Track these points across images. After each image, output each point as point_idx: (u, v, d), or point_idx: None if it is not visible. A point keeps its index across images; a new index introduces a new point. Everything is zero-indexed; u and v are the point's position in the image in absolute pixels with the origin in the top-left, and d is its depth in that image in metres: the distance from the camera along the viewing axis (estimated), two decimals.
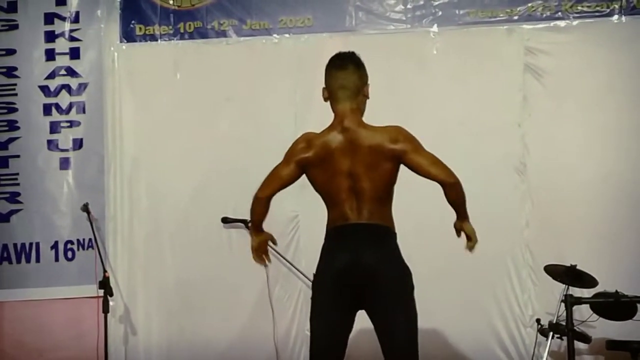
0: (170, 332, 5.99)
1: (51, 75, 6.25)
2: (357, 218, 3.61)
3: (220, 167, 5.98)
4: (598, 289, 5.12)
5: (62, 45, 6.27)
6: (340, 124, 3.68)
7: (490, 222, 5.24)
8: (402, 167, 3.67)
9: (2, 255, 6.16)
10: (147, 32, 6.22)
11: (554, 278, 5.20)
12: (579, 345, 5.26)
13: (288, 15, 6.09)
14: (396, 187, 3.70)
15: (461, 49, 5.86)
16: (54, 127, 6.23)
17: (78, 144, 6.22)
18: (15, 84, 6.27)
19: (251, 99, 6.01)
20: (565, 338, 5.01)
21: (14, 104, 6.26)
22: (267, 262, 3.90)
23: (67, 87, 6.24)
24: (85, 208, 5.97)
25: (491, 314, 5.68)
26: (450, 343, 5.67)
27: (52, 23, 6.26)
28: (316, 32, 6.03)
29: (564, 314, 4.95)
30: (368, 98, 3.77)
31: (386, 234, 3.64)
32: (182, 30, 6.18)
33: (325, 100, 3.78)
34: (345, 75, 3.71)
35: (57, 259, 6.13)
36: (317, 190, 3.73)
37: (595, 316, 5.16)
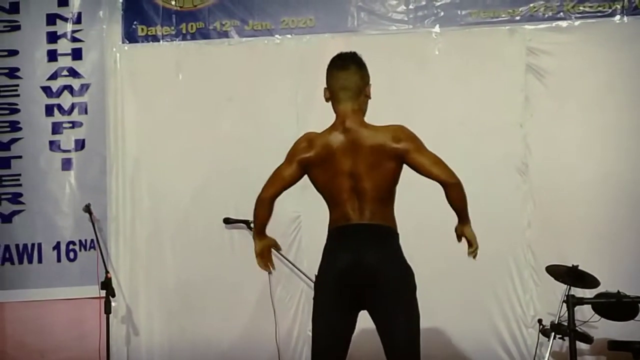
0: (172, 333, 5.99)
1: (53, 76, 6.25)
2: (359, 218, 3.61)
3: (222, 167, 5.98)
4: (600, 289, 5.11)
5: (64, 46, 6.27)
6: (342, 125, 3.67)
7: (491, 222, 5.27)
8: (403, 167, 3.67)
9: (4, 256, 6.17)
10: (149, 33, 6.22)
11: (555, 278, 5.20)
12: (581, 345, 5.26)
13: (290, 16, 6.09)
14: (398, 188, 3.70)
15: (463, 50, 5.86)
16: (56, 128, 6.23)
17: (80, 144, 6.22)
18: (17, 85, 6.27)
19: (253, 99, 6.01)
20: (567, 338, 5.00)
21: (16, 104, 6.27)
22: (272, 269, 3.87)
23: (69, 88, 6.25)
24: (87, 209, 5.97)
25: (493, 314, 5.68)
26: (451, 343, 5.67)
27: (54, 24, 6.27)
28: (318, 33, 6.03)
29: (566, 314, 4.95)
30: (370, 98, 3.77)
31: (388, 234, 3.64)
32: (184, 31, 6.18)
33: (327, 100, 3.77)
34: (347, 75, 3.70)
35: (59, 260, 6.14)
36: (318, 190, 3.73)
37: (597, 316, 5.16)
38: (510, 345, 5.67)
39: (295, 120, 5.82)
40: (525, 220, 5.72)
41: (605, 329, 5.33)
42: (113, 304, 5.79)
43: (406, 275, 3.60)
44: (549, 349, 5.05)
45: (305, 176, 3.75)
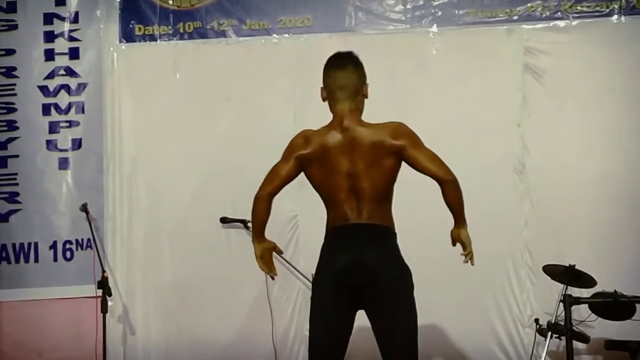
0: (169, 332, 5.99)
1: (50, 75, 6.25)
2: (357, 218, 3.60)
3: (219, 167, 5.98)
4: (597, 288, 5.12)
5: (61, 45, 6.27)
6: (339, 124, 3.66)
7: (489, 221, 5.28)
8: (402, 167, 3.67)
9: (0, 255, 6.16)
10: (146, 32, 6.22)
11: (552, 278, 5.20)
12: (578, 345, 5.26)
13: (287, 16, 6.09)
14: (396, 187, 3.70)
15: (461, 49, 5.86)
16: (53, 127, 6.23)
17: (77, 144, 6.21)
18: (14, 84, 6.27)
19: (250, 98, 6.01)
20: (563, 338, 5.00)
21: (13, 104, 6.26)
22: (275, 274, 3.83)
23: (66, 87, 6.24)
24: (84, 208, 5.96)
25: (490, 313, 5.68)
26: (448, 343, 5.67)
27: (52, 23, 6.27)
28: (316, 32, 6.03)
29: (563, 313, 4.95)
30: (367, 98, 3.76)
31: (386, 233, 3.63)
32: (181, 31, 6.18)
33: (324, 100, 3.76)
34: (344, 75, 3.69)
35: (55, 259, 6.13)
36: (315, 188, 3.72)
37: (593, 316, 5.16)
38: (507, 344, 5.67)
39: (292, 119, 5.82)
40: (523, 219, 5.73)
41: (602, 328, 5.33)
42: (110, 303, 5.79)
43: (404, 275, 3.59)
44: (546, 348, 5.05)
45: (303, 175, 3.74)
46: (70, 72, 6.25)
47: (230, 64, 6.07)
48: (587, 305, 5.13)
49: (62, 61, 6.25)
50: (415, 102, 5.73)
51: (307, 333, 3.72)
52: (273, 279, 3.93)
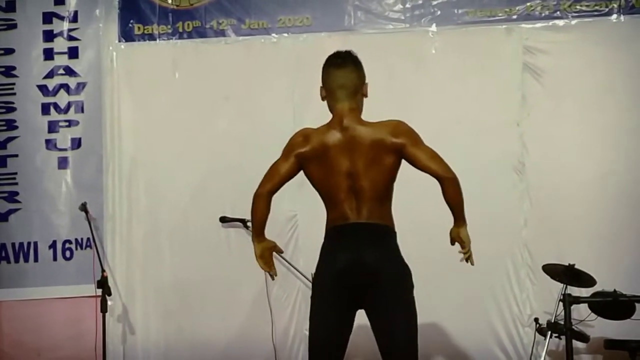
0: (169, 332, 5.98)
1: (49, 75, 6.25)
2: (356, 217, 3.59)
3: (219, 166, 5.98)
4: (596, 288, 5.12)
5: (60, 44, 6.27)
6: (339, 123, 3.65)
7: (488, 221, 5.28)
8: (401, 167, 3.67)
9: (0, 255, 6.16)
10: (145, 32, 6.21)
11: (552, 277, 5.20)
12: (577, 344, 5.26)
13: (287, 15, 6.09)
14: (396, 186, 3.69)
15: (460, 48, 5.86)
16: (53, 127, 6.23)
17: (76, 143, 6.21)
18: (13, 84, 6.27)
19: (250, 98, 6.01)
20: (563, 337, 5.01)
21: (12, 103, 6.26)
22: (275, 274, 3.82)
23: (65, 87, 6.24)
24: (84, 207, 5.96)
25: (489, 313, 5.68)
26: (448, 342, 5.67)
27: (51, 22, 6.26)
28: (315, 32, 6.03)
29: (562, 313, 4.95)
30: (366, 97, 3.76)
31: (386, 233, 3.63)
32: (180, 30, 6.18)
33: (323, 99, 3.75)
34: (345, 74, 3.69)
35: (55, 259, 6.13)
36: (315, 187, 3.71)
37: (593, 315, 5.17)
38: (507, 344, 5.67)
39: (292, 118, 5.82)
40: (522, 219, 5.73)
41: (601, 327, 5.34)
42: (109, 302, 5.79)
43: (404, 274, 3.58)
44: (546, 347, 5.05)
45: (302, 175, 3.73)
46: (69, 72, 6.24)
47: (230, 63, 6.07)
48: (586, 304, 5.14)
49: (61, 60, 6.25)
50: (415, 102, 5.72)
51: (307, 333, 3.72)
52: (273, 278, 3.91)
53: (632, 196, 5.63)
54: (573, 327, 4.99)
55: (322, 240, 3.68)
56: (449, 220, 3.66)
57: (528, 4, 5.86)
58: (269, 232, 3.76)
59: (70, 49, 6.25)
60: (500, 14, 5.90)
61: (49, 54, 6.26)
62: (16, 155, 6.22)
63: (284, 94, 5.96)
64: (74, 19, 6.25)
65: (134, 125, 6.15)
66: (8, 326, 6.13)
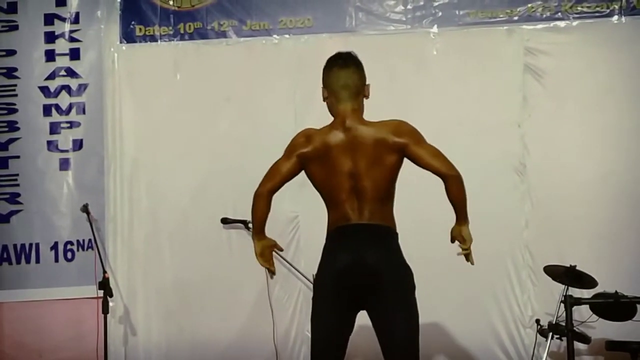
0: (170, 333, 5.99)
1: (51, 76, 6.25)
2: (358, 218, 3.60)
3: (220, 167, 5.98)
4: (598, 289, 5.11)
5: (62, 46, 6.27)
6: (342, 124, 3.66)
7: (489, 222, 5.27)
8: (403, 168, 3.67)
9: (1, 256, 6.16)
10: (147, 33, 6.22)
11: (553, 278, 5.20)
12: (579, 345, 5.26)
13: (288, 16, 6.09)
14: (397, 187, 3.69)
15: (461, 50, 5.86)
16: (54, 128, 6.23)
17: (78, 144, 6.22)
18: (15, 85, 6.27)
19: (251, 99, 6.01)
20: (564, 339, 4.99)
21: (14, 104, 6.26)
22: (274, 271, 3.80)
23: (67, 88, 6.24)
24: (85, 209, 5.97)
25: (491, 314, 5.68)
26: (449, 343, 5.67)
27: (52, 24, 6.27)
28: (316, 33, 6.03)
29: (564, 314, 4.94)
30: (367, 98, 3.76)
31: (387, 234, 3.63)
32: (182, 31, 6.18)
33: (325, 100, 3.76)
34: (348, 74, 3.69)
35: (56, 260, 6.13)
36: (316, 188, 3.71)
37: (594, 317, 5.16)
38: (508, 345, 5.67)
39: (293, 120, 5.82)
40: (523, 220, 5.73)
41: (603, 329, 5.33)
42: (111, 304, 5.80)
43: (405, 275, 3.59)
44: (547, 349, 5.05)
45: (304, 175, 3.73)
46: (71, 73, 6.25)
47: (231, 64, 6.07)
48: (588, 305, 5.13)
49: (62, 62, 6.25)
50: (416, 103, 5.72)
51: (308, 334, 3.73)
52: (272, 277, 3.91)
53: (633, 196, 5.63)
54: (574, 328, 4.97)
55: (324, 241, 3.69)
56: (449, 220, 3.66)
57: (529, 5, 5.86)
58: (271, 233, 3.77)
59: (71, 50, 6.26)
60: (501, 15, 5.90)
61: (50, 56, 6.26)
62: (18, 157, 6.23)
63: (285, 95, 5.97)
64: (76, 20, 6.26)
65: (136, 127, 6.15)
66: (9, 327, 6.13)
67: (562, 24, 5.83)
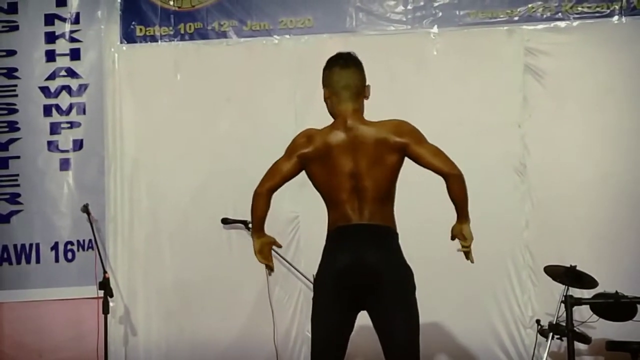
0: (170, 333, 5.99)
1: (51, 76, 6.25)
2: (358, 219, 3.60)
3: (221, 167, 5.99)
4: (598, 289, 5.11)
5: (62, 46, 6.27)
6: (343, 124, 3.66)
7: (490, 222, 5.27)
8: (403, 168, 3.67)
9: (2, 256, 6.17)
10: (147, 33, 6.22)
11: (553, 279, 5.20)
12: (579, 346, 5.26)
13: (288, 16, 6.09)
14: (398, 187, 3.69)
15: (461, 50, 5.86)
16: (54, 128, 6.23)
17: (78, 144, 6.22)
18: (15, 85, 6.27)
19: (251, 99, 6.01)
20: (565, 339, 4.99)
21: (14, 105, 6.27)
22: (272, 267, 3.81)
23: (67, 88, 6.25)
24: (86, 209, 5.97)
25: (491, 314, 5.68)
26: (449, 343, 5.66)
27: (53, 24, 6.27)
28: (316, 33, 6.03)
29: (564, 314, 4.94)
30: (367, 99, 3.76)
31: (388, 234, 3.63)
32: (182, 31, 6.18)
33: (325, 100, 3.77)
34: (349, 74, 3.70)
35: (57, 260, 6.13)
36: (317, 188, 3.72)
37: (595, 317, 5.15)
38: (509, 345, 5.67)
39: (293, 120, 5.82)
40: (523, 220, 5.73)
41: (603, 329, 5.33)
42: (111, 304, 5.80)
43: (406, 276, 3.59)
44: (547, 349, 5.05)
45: (304, 176, 3.74)
46: (71, 73, 6.25)
47: (231, 64, 6.07)
48: (588, 306, 5.12)
49: (63, 62, 6.26)
50: (416, 103, 5.72)
51: (308, 334, 3.73)
52: (270, 274, 3.92)
53: (633, 197, 5.63)
54: (575, 328, 4.98)
55: (324, 242, 3.69)
56: (450, 220, 3.67)
57: (529, 5, 5.86)
58: (271, 233, 3.79)
59: (72, 50, 6.26)
60: (501, 16, 5.90)
61: (50, 56, 6.26)
62: (18, 157, 6.23)
63: (286, 96, 5.97)
64: (76, 20, 6.26)
65: (136, 127, 6.16)
66: (10, 327, 6.13)
67: (562, 24, 5.83)
